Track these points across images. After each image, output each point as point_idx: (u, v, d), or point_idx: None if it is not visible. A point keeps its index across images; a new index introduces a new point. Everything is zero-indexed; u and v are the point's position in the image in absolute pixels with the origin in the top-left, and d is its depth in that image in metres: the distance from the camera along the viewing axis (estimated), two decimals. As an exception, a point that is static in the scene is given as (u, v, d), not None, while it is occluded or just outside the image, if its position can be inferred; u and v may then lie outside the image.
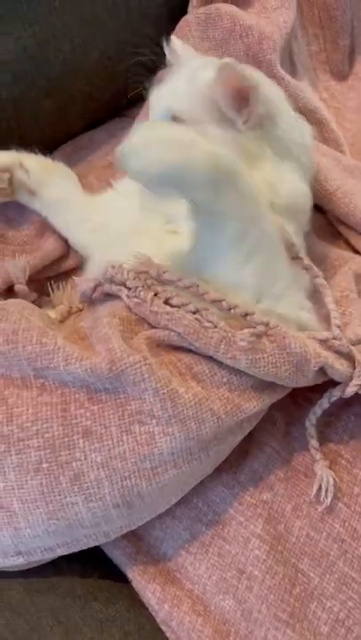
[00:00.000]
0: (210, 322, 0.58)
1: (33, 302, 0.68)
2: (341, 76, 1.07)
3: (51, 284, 0.74)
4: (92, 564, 0.65)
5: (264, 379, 0.59)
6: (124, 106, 0.96)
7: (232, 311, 0.60)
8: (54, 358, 0.54)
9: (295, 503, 0.64)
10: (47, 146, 0.86)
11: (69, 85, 0.85)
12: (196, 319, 0.58)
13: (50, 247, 0.78)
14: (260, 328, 0.59)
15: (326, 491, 0.62)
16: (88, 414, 0.55)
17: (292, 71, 0.96)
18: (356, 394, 0.63)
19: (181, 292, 0.60)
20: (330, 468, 0.64)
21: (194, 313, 0.59)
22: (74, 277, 0.66)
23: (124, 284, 0.61)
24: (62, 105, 0.86)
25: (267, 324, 0.59)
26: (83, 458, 0.54)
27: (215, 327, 0.58)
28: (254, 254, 0.60)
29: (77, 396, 0.55)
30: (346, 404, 0.68)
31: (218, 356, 0.57)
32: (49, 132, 0.86)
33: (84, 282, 0.64)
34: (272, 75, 0.87)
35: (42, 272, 0.77)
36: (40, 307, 0.69)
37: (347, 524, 0.63)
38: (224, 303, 0.60)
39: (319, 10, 1.01)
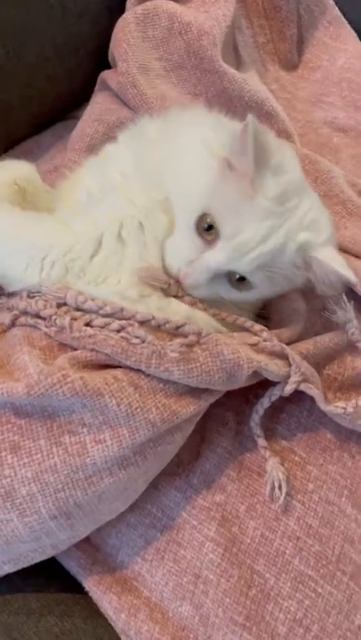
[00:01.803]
0: (137, 337, 0.57)
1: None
2: (291, 65, 1.05)
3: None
4: (48, 578, 0.64)
5: (198, 386, 0.58)
6: (69, 108, 0.94)
7: (162, 327, 0.59)
8: None
9: (249, 503, 0.63)
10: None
11: (8, 92, 0.83)
12: (122, 337, 0.57)
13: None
14: (192, 338, 0.58)
15: (280, 488, 0.62)
16: (15, 429, 0.54)
17: (238, 64, 0.95)
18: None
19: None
20: (283, 465, 0.64)
21: (118, 331, 0.57)
22: None
23: (38, 315, 0.59)
24: (3, 112, 0.84)
25: (198, 334, 0.58)
26: (12, 474, 0.53)
27: (143, 342, 0.57)
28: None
29: (2, 411, 0.54)
30: (298, 399, 0.67)
31: (150, 371, 0.56)
32: (-8, 139, 0.85)
33: (3, 308, 0.62)
34: (214, 70, 0.86)
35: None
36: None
37: (301, 521, 0.62)
38: (153, 322, 0.59)
39: (263, 0, 1.00)
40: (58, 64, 0.87)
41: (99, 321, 0.58)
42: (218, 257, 0.60)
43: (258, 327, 0.63)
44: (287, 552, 0.61)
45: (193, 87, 0.89)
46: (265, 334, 0.62)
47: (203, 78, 0.88)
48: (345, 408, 0.63)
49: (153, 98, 0.83)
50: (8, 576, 0.60)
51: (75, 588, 0.63)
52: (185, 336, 0.58)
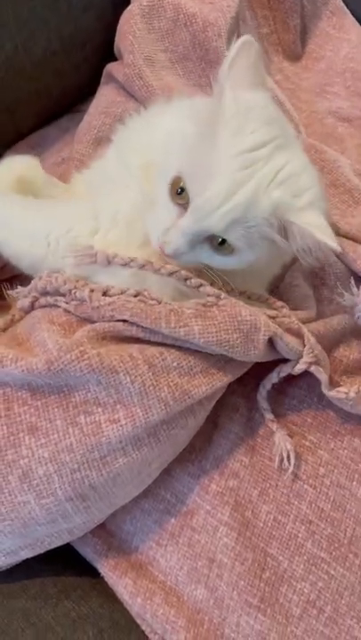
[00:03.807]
0: (154, 299, 0.58)
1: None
2: (294, 56, 1.06)
3: (4, 287, 0.74)
4: (64, 563, 0.65)
5: (216, 349, 0.58)
6: (75, 101, 0.95)
7: (188, 282, 0.60)
8: None
9: (261, 488, 0.64)
10: (-2, 146, 0.86)
11: (15, 85, 0.84)
12: (140, 300, 0.58)
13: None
14: (210, 299, 0.59)
15: (288, 458, 0.63)
16: (32, 410, 0.55)
17: (243, 55, 0.95)
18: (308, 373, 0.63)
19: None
20: (295, 450, 0.64)
21: (135, 296, 0.59)
22: (8, 291, 0.66)
23: (58, 292, 0.61)
24: (10, 105, 0.85)
25: (218, 296, 0.59)
26: (30, 455, 0.54)
27: (159, 303, 0.58)
28: None
29: (20, 393, 0.55)
30: (308, 385, 0.68)
31: (170, 330, 0.57)
32: (-1, 133, 0.86)
33: (21, 296, 0.64)
34: (219, 61, 0.86)
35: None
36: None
37: (313, 505, 0.63)
38: (182, 272, 0.60)
39: (266, -9, 1.00)
40: (64, 58, 0.88)
41: (116, 289, 0.60)
42: (188, 218, 0.58)
43: (279, 303, 0.64)
44: (300, 535, 0.62)
45: (198, 78, 0.89)
46: (284, 310, 0.63)
47: (208, 69, 0.88)
48: (347, 393, 0.63)
49: (159, 89, 0.84)
50: (25, 562, 0.61)
51: (90, 572, 0.64)
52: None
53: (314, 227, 0.56)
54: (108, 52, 0.91)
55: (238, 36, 0.95)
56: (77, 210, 0.66)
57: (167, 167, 0.60)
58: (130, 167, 0.65)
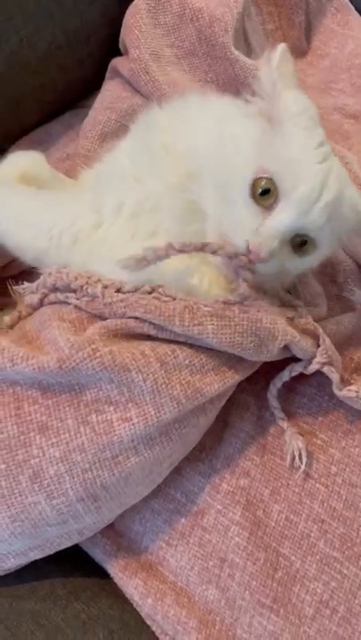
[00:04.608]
0: (168, 296, 0.57)
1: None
2: (299, 53, 1.05)
3: (11, 284, 0.73)
4: (73, 564, 0.64)
5: (228, 350, 0.58)
6: (80, 96, 0.94)
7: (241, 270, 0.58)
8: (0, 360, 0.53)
9: (273, 487, 0.63)
10: (2, 141, 0.85)
11: (19, 79, 0.83)
12: (154, 297, 0.57)
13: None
14: (236, 298, 0.58)
15: (300, 457, 0.62)
16: (43, 409, 0.54)
17: (248, 51, 0.94)
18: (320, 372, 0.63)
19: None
20: (306, 449, 0.64)
21: (150, 293, 0.58)
22: (13, 287, 0.65)
23: (68, 288, 0.60)
24: (14, 100, 0.84)
25: (246, 297, 0.58)
26: (41, 454, 0.53)
27: (174, 300, 0.57)
28: None
29: (30, 392, 0.54)
30: (318, 384, 0.68)
31: (183, 328, 0.56)
32: (2, 128, 0.85)
33: (28, 292, 0.63)
34: (226, 57, 0.85)
35: (3, 271, 0.75)
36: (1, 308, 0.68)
37: (326, 504, 0.62)
38: (209, 248, 0.57)
39: (272, -13, 1.00)
40: (69, 52, 0.87)
41: (129, 286, 0.58)
42: (285, 215, 0.56)
43: (297, 302, 0.64)
44: (312, 535, 0.61)
45: (204, 74, 0.88)
46: (303, 311, 0.63)
47: (214, 65, 0.87)
48: (358, 392, 0.63)
49: (165, 84, 0.83)
50: (34, 563, 0.60)
51: (100, 573, 0.63)
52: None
53: None
54: (112, 47, 0.90)
55: (244, 33, 0.95)
56: (81, 203, 0.65)
57: (242, 168, 0.58)
58: (162, 174, 0.63)
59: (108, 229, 0.63)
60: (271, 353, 0.59)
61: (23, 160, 0.74)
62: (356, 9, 1.10)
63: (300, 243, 0.59)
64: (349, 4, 1.09)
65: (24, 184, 0.71)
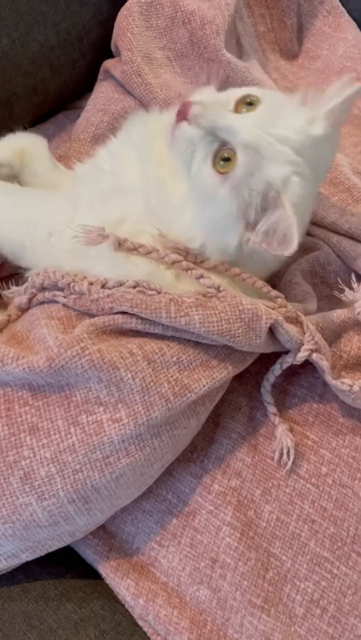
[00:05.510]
0: (153, 290, 0.58)
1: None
2: (291, 55, 1.05)
3: (2, 285, 0.73)
4: (65, 565, 0.64)
5: (218, 339, 0.58)
6: (72, 98, 0.94)
7: (189, 272, 0.61)
8: None
9: (264, 487, 0.63)
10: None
11: (11, 80, 0.83)
12: (139, 291, 0.58)
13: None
14: (211, 290, 0.60)
15: (288, 454, 0.63)
16: (33, 411, 0.54)
17: (240, 53, 0.95)
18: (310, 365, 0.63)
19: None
20: (296, 449, 0.64)
21: (134, 287, 0.59)
22: (3, 291, 0.66)
23: (55, 287, 0.60)
24: (6, 101, 0.84)
25: (217, 288, 0.60)
26: (31, 455, 0.53)
27: (159, 293, 0.58)
28: None
29: (20, 393, 0.55)
30: (309, 384, 0.68)
31: (170, 320, 0.56)
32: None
33: (17, 295, 0.64)
34: (217, 59, 0.86)
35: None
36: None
37: (316, 504, 0.63)
38: (184, 263, 0.61)
39: (263, -11, 1.00)
40: (61, 53, 0.87)
41: (114, 281, 0.60)
42: (249, 121, 0.59)
43: (274, 293, 0.64)
44: (303, 535, 0.62)
45: (196, 76, 0.88)
46: (280, 300, 0.64)
47: (206, 67, 0.88)
48: (351, 386, 0.63)
49: (157, 87, 0.83)
50: (26, 564, 0.60)
51: (92, 574, 0.63)
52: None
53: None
54: (104, 48, 0.90)
55: (236, 35, 0.96)
56: (62, 200, 0.67)
57: None
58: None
59: (79, 222, 0.62)
60: (260, 337, 0.60)
61: (26, 138, 0.75)
62: (348, 12, 1.10)
63: (223, 157, 0.59)
64: (341, 7, 1.09)
65: (21, 161, 0.73)
